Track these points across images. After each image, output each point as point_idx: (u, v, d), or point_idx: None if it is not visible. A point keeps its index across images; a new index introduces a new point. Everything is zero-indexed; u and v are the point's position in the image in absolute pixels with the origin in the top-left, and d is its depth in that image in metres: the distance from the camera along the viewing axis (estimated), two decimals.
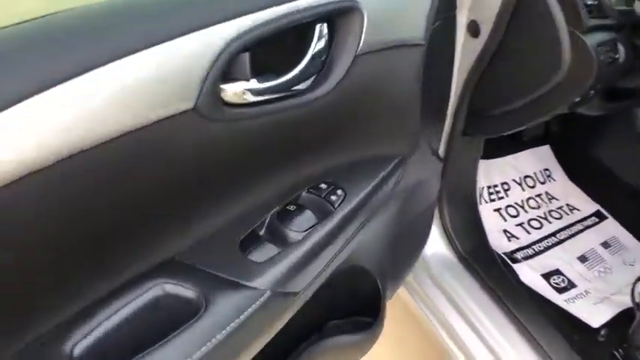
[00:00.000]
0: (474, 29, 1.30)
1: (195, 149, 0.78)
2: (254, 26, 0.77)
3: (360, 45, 0.90)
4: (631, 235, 2.00)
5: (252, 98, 0.81)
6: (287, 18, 0.81)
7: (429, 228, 1.51)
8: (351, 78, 0.92)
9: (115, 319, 0.78)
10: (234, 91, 0.79)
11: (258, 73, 0.82)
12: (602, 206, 2.10)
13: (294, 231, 0.93)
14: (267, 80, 0.83)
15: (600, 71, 1.28)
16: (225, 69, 0.75)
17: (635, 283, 1.67)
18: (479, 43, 1.31)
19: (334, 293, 1.09)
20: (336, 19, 0.89)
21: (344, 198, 1.00)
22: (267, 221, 0.93)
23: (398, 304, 1.72)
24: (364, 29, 0.90)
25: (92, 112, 0.65)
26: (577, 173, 2.18)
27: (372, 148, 1.10)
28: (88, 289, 0.77)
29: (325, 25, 0.89)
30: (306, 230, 0.94)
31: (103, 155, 0.67)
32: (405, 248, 1.40)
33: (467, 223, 1.70)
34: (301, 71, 0.87)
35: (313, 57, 0.88)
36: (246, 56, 0.79)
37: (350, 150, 1.06)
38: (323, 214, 0.97)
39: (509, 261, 1.79)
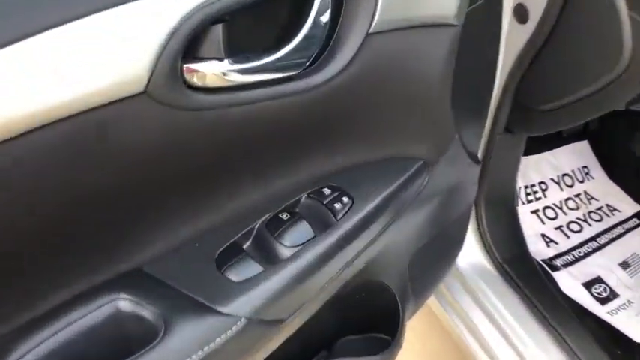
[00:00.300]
0: (521, 14, 1.18)
1: (152, 141, 0.67)
2: None
3: (375, 21, 0.77)
4: None
5: (228, 81, 0.69)
6: None
7: (464, 237, 1.41)
8: (362, 61, 0.78)
9: (60, 337, 0.68)
10: (202, 72, 0.67)
11: (237, 50, 0.69)
12: None
13: (284, 245, 0.80)
14: (250, 60, 0.70)
15: None
16: (189, 44, 0.63)
17: None
18: (526, 30, 1.19)
19: (346, 306, 0.98)
20: None
21: (350, 207, 0.86)
22: (254, 231, 0.80)
23: (429, 317, 1.69)
24: (380, 1, 0.76)
25: (17, 91, 0.55)
26: (617, 171, 2.10)
27: (390, 147, 0.96)
28: (35, 297, 0.67)
29: None
30: (299, 245, 0.80)
31: (36, 145, 0.57)
32: (433, 262, 1.31)
33: (506, 230, 1.63)
34: (296, 48, 0.73)
35: (312, 31, 0.73)
36: (219, 28, 0.66)
37: (361, 149, 0.93)
38: (323, 226, 0.84)
39: (548, 269, 1.74)
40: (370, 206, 0.89)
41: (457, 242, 1.40)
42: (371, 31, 0.77)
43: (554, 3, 1.14)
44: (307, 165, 0.86)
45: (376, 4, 0.76)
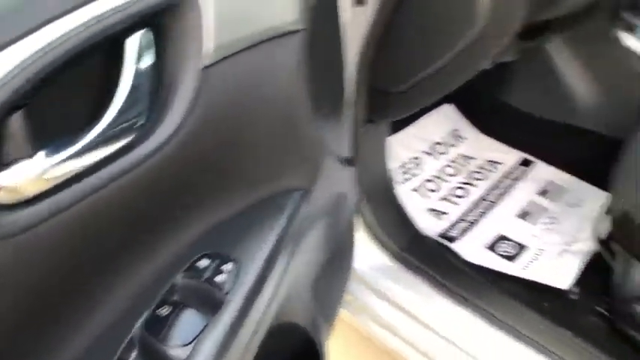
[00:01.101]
0: None
1: None
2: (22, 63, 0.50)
3: (208, 51, 0.65)
4: (566, 174, 1.84)
5: (48, 180, 0.55)
6: (76, 40, 0.53)
7: (353, 242, 1.29)
8: (204, 100, 0.67)
9: None
10: (10, 185, 0.53)
11: (49, 136, 0.55)
12: (526, 152, 1.93)
13: (176, 346, 0.66)
14: (69, 144, 0.57)
15: (525, 10, 1.12)
16: None
17: (596, 225, 1.52)
18: (368, 10, 1.09)
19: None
20: (159, 23, 0.63)
21: (237, 272, 0.73)
22: (135, 341, 0.67)
23: (347, 330, 1.60)
24: (209, 28, 0.65)
25: None
26: (489, 125, 2.01)
27: (263, 187, 0.84)
28: None
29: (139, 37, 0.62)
30: (193, 340, 0.67)
31: None
32: (333, 279, 1.19)
33: (392, 218, 1.53)
34: (121, 111, 0.60)
35: (135, 87, 0.61)
36: (18, 117, 0.52)
37: (231, 200, 0.81)
38: (212, 307, 0.71)
39: (446, 242, 1.60)
40: (259, 262, 0.77)
41: (349, 250, 1.27)
42: (206, 64, 0.66)
43: None
44: (174, 240, 0.74)
45: (201, 32, 0.65)
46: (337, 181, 1.11)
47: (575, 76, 1.81)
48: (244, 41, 0.70)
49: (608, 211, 1.36)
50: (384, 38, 1.13)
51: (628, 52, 1.65)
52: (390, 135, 1.75)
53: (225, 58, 0.68)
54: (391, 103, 1.30)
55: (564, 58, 1.81)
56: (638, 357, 1.29)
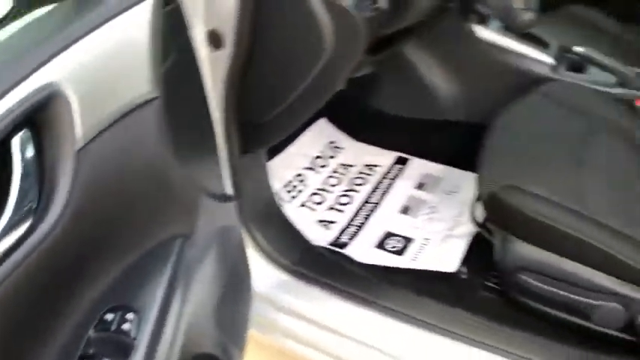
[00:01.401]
0: (215, 40, 1.15)
1: None
2: None
3: (79, 134, 0.72)
4: (439, 164, 1.96)
5: None
6: None
7: (248, 266, 1.34)
8: (82, 179, 0.73)
9: None
10: None
11: None
12: (401, 151, 2.04)
13: None
14: None
15: (368, 29, 1.21)
16: None
17: (472, 208, 1.62)
18: (226, 53, 1.17)
19: None
20: (35, 121, 0.69)
21: (140, 318, 0.81)
22: None
23: (261, 349, 1.62)
24: (77, 115, 0.71)
25: None
26: (363, 132, 2.10)
27: (147, 240, 0.91)
28: None
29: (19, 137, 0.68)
30: None
31: None
32: (234, 304, 1.24)
33: (283, 236, 1.58)
34: (15, 209, 0.67)
35: (24, 179, 0.68)
36: None
37: (122, 255, 0.87)
38: (124, 352, 0.79)
39: (337, 249, 1.67)
40: (156, 306, 0.85)
41: (244, 275, 1.31)
42: (79, 146, 0.72)
43: (244, 20, 1.12)
44: (83, 300, 0.80)
45: (72, 119, 0.71)
46: (219, 217, 1.17)
47: (434, 73, 1.92)
48: (108, 119, 0.76)
49: (479, 195, 1.45)
50: (244, 76, 1.20)
51: (482, 42, 1.79)
52: (270, 159, 1.82)
53: (94, 137, 0.74)
54: (261, 133, 1.37)
55: (421, 58, 1.92)
56: (531, 320, 1.38)
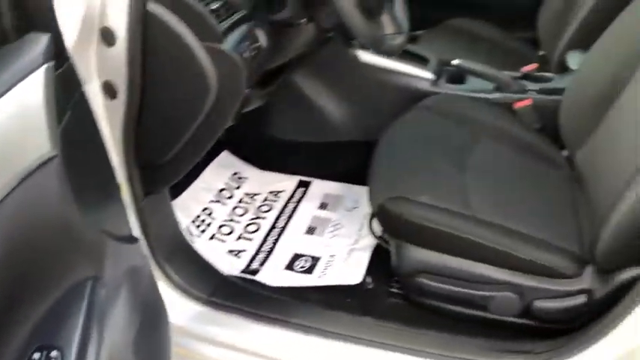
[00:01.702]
0: (110, 90, 1.19)
1: None
2: None
3: None
4: (339, 183, 2.07)
5: None
6: None
7: (161, 302, 1.37)
8: None
9: None
10: None
11: None
12: (303, 175, 2.13)
13: None
14: None
15: (250, 69, 1.30)
16: None
17: (370, 221, 1.70)
18: (120, 102, 1.21)
19: None
20: None
21: (62, 356, 0.86)
22: None
23: None
24: None
25: None
26: (263, 160, 2.18)
27: (62, 284, 0.95)
28: None
29: None
30: None
31: None
32: (151, 338, 1.27)
33: (195, 270, 1.62)
34: None
35: None
36: None
37: (41, 299, 0.91)
38: None
39: (249, 276, 1.73)
40: (75, 344, 0.89)
41: (159, 311, 1.34)
42: None
43: (134, 69, 1.16)
44: (9, 347, 0.85)
45: None
46: (128, 258, 1.21)
47: (324, 98, 2.03)
48: (12, 183, 0.80)
49: (372, 207, 1.54)
50: (139, 121, 1.25)
51: (366, 65, 1.90)
52: (177, 196, 1.88)
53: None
54: (162, 174, 1.41)
55: (311, 85, 2.03)
56: (435, 318, 1.48)
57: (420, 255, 1.41)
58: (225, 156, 2.19)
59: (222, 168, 2.15)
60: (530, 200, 1.46)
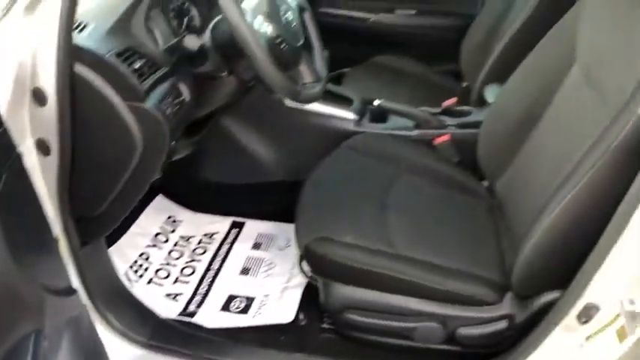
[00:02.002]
0: (44, 147, 1.23)
1: None
2: None
3: None
4: (271, 222, 2.13)
5: None
6: None
7: (102, 347, 1.41)
8: None
9: None
10: None
11: None
12: (237, 216, 2.18)
13: None
14: None
15: (174, 123, 1.35)
16: None
17: (300, 261, 1.75)
18: (54, 158, 1.25)
19: None
20: None
21: None
22: None
23: None
24: None
25: None
26: (197, 203, 2.23)
27: (5, 340, 0.98)
28: None
29: None
30: None
31: None
32: None
33: (133, 315, 1.65)
34: None
35: None
36: None
37: None
38: None
39: (187, 318, 1.77)
40: None
41: (101, 355, 1.39)
42: None
43: (64, 128, 1.21)
44: None
45: None
46: (67, 308, 1.25)
47: (253, 141, 2.09)
48: None
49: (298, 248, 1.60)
50: (72, 176, 1.29)
51: (292, 109, 1.98)
52: (114, 242, 1.91)
53: None
54: (96, 225, 1.46)
55: (240, 129, 2.09)
56: (366, 351, 1.56)
57: (347, 292, 1.47)
58: (159, 200, 2.23)
59: (157, 212, 2.19)
60: (452, 232, 1.54)
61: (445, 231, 1.54)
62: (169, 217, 2.18)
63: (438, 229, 1.54)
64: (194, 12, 1.70)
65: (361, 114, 2.03)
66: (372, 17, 2.94)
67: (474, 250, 1.49)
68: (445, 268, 1.42)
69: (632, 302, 1.11)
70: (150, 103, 1.32)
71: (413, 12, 2.94)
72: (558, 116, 1.46)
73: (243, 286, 1.88)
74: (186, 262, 2.00)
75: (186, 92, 1.48)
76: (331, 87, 2.05)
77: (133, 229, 2.10)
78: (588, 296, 1.15)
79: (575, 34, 1.44)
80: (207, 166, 2.18)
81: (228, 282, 1.90)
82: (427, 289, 1.41)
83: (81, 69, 1.23)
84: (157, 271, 1.97)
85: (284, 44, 1.49)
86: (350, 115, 1.99)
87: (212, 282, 1.91)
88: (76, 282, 1.41)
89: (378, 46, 2.92)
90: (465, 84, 2.64)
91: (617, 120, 1.14)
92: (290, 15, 1.57)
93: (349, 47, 2.98)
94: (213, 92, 1.63)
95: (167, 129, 1.34)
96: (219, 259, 2.01)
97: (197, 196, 2.23)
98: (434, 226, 1.56)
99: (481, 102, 2.09)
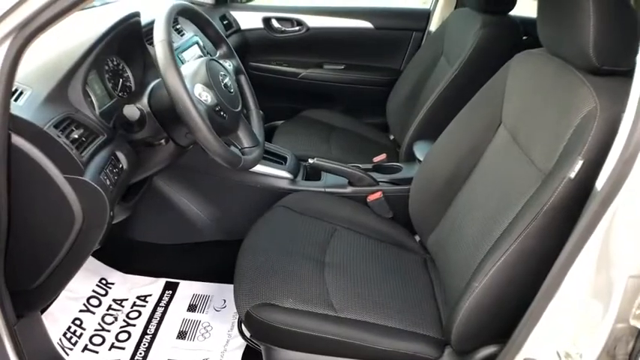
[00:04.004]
0: None
1: None
2: None
3: None
4: (207, 283, 2.13)
5: None
6: None
7: None
8: None
9: None
10: None
11: None
12: (171, 277, 2.17)
13: None
14: None
15: (113, 193, 1.36)
16: None
17: (239, 325, 1.75)
18: None
19: None
20: None
21: None
22: None
23: None
24: None
25: None
26: (130, 264, 2.21)
27: None
28: None
29: None
30: None
31: None
32: None
33: None
34: None
35: None
36: None
37: None
38: None
39: None
40: None
41: None
42: None
43: (0, 201, 1.19)
44: None
45: None
46: None
47: (189, 201, 2.11)
48: None
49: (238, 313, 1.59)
50: (7, 249, 1.27)
51: (226, 168, 1.97)
52: (45, 309, 1.86)
53: None
54: (33, 297, 1.44)
55: (175, 189, 2.10)
56: None
57: (288, 356, 1.49)
58: (91, 262, 2.20)
59: (89, 274, 2.16)
60: (390, 289, 1.57)
61: (384, 288, 1.57)
62: (101, 280, 2.16)
63: (377, 287, 1.57)
64: (128, 73, 1.71)
65: (295, 172, 2.07)
66: (303, 72, 3.02)
67: (412, 307, 1.53)
68: (385, 328, 1.45)
69: (567, 355, 1.15)
70: (89, 175, 1.32)
71: (342, 67, 3.05)
72: (486, 174, 1.53)
73: (180, 351, 1.87)
74: (121, 327, 1.98)
75: (124, 160, 1.49)
76: (265, 144, 2.08)
77: (65, 293, 2.06)
78: (526, 351, 1.19)
79: (502, 95, 1.52)
80: (139, 226, 2.17)
81: (166, 347, 1.89)
82: (369, 350, 1.43)
83: (17, 139, 1.21)
84: (92, 337, 1.94)
85: (223, 112, 1.51)
86: (284, 173, 2.03)
87: (149, 348, 1.89)
88: (12, 357, 1.37)
89: (308, 99, 3.00)
90: (391, 137, 2.72)
91: (546, 184, 1.21)
92: (228, 81, 1.60)
93: (280, 101, 3.05)
94: (150, 158, 1.63)
95: (107, 201, 1.34)
96: (154, 322, 1.99)
97: (129, 257, 2.22)
98: (372, 284, 1.58)
99: (410, 156, 2.15)
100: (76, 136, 1.33)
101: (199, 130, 1.39)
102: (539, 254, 1.21)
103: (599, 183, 1.01)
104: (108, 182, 1.37)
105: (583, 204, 1.08)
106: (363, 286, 1.56)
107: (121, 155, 1.48)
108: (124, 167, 1.48)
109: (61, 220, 1.31)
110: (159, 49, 1.38)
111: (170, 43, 1.39)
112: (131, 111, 1.52)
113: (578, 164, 1.13)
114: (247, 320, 1.48)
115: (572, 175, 1.13)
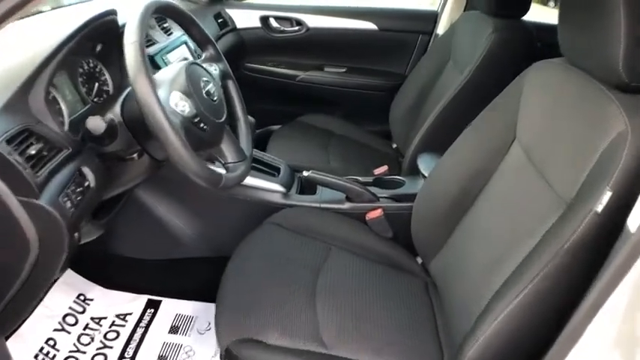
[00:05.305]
0: None
1: None
2: None
3: None
4: (190, 302, 2.00)
5: None
6: None
7: None
8: None
9: None
10: None
11: None
12: (152, 294, 2.04)
13: None
14: None
15: (75, 216, 1.24)
16: None
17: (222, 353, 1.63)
18: None
19: None
20: None
21: None
22: None
23: None
24: None
25: None
26: (110, 279, 2.08)
27: None
28: None
29: None
30: None
31: None
32: None
33: None
34: None
35: None
36: None
37: None
38: None
39: None
40: None
41: None
42: None
43: None
44: None
45: None
46: None
47: (173, 214, 1.96)
48: None
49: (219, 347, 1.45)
50: None
51: None
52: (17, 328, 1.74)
53: None
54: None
55: (158, 202, 1.95)
56: None
57: None
58: (69, 275, 2.07)
59: (67, 288, 2.03)
60: (386, 322, 1.43)
61: (380, 319, 1.44)
62: (80, 295, 2.03)
63: (373, 319, 1.44)
64: (106, 76, 1.57)
65: (289, 185, 1.92)
66: (301, 74, 2.90)
67: (409, 338, 1.40)
68: None
69: None
70: (46, 198, 1.17)
71: (343, 70, 2.92)
72: (497, 197, 1.41)
73: None
74: (98, 349, 1.85)
75: (91, 176, 1.33)
76: (257, 153, 1.94)
77: (39, 309, 1.93)
78: None
79: (517, 108, 1.40)
80: (120, 239, 2.03)
81: None
82: None
83: None
84: (66, 359, 1.80)
85: (203, 124, 1.36)
86: (277, 186, 1.88)
87: None
88: None
89: (306, 103, 2.87)
90: (394, 145, 2.60)
91: (568, 217, 1.07)
92: (212, 87, 1.44)
93: (277, 104, 2.92)
94: (123, 173, 1.48)
95: (64, 228, 1.20)
96: (133, 344, 1.86)
97: (109, 272, 2.08)
98: (368, 314, 1.44)
99: (414, 169, 2.02)
100: (34, 152, 1.17)
101: (170, 145, 1.22)
102: (557, 296, 1.07)
103: (633, 221, 0.88)
104: (69, 204, 1.22)
105: (610, 242, 0.95)
106: (357, 318, 1.42)
107: (87, 171, 1.32)
108: (91, 185, 1.33)
109: (12, 249, 1.16)
110: (129, 52, 1.22)
111: (142, 45, 1.24)
112: (95, 124, 1.34)
113: (607, 196, 0.99)
114: (228, 356, 1.34)
115: (600, 208, 0.99)
